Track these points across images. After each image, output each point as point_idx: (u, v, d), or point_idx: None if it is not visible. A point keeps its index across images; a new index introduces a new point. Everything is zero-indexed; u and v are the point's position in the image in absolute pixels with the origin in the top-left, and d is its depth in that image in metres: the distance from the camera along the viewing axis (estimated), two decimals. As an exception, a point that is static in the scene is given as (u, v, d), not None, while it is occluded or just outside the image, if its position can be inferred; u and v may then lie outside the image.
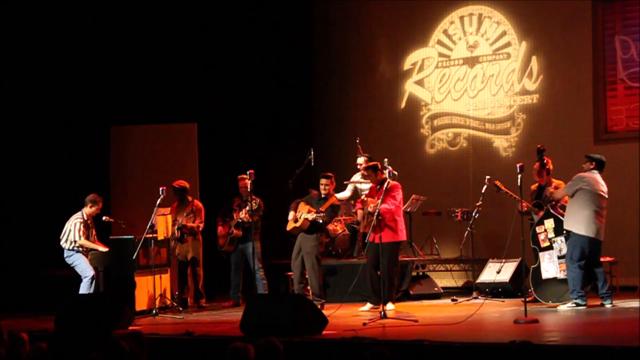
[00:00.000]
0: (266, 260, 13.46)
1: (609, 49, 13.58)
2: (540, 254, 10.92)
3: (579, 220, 10.44)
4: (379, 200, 10.68)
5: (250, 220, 11.88)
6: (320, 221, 11.43)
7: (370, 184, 11.81)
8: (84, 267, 11.77)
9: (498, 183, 11.65)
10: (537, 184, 11.35)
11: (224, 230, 12.49)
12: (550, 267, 10.84)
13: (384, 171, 11.28)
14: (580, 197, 10.43)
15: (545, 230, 10.86)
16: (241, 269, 12.54)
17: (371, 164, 11.53)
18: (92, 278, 11.65)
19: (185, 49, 14.75)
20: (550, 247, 10.85)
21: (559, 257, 10.79)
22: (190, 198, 12.62)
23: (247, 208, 11.91)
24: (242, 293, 12.55)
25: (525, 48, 14.32)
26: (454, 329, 8.90)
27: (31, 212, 13.53)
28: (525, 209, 10.77)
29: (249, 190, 10.88)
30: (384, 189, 10.90)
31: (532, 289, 10.91)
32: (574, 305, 10.37)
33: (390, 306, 10.82)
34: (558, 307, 10.49)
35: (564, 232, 10.66)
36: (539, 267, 10.89)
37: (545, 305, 10.65)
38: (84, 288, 11.64)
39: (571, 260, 10.42)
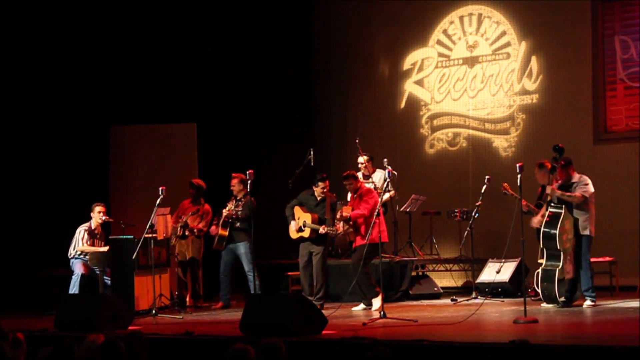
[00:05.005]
0: (265, 260, 13.46)
1: (609, 49, 13.57)
2: (563, 255, 10.57)
3: (591, 222, 10.56)
4: (350, 208, 11.04)
5: (233, 215, 11.90)
6: (332, 234, 11.43)
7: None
8: (77, 267, 12.12)
9: (506, 185, 11.62)
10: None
11: (215, 230, 12.36)
12: (570, 268, 10.60)
13: (361, 180, 11.54)
14: (590, 198, 10.56)
15: (566, 231, 10.55)
16: (230, 271, 12.27)
17: (349, 172, 11.42)
18: (78, 276, 12.02)
19: (185, 48, 14.74)
20: (570, 248, 10.62)
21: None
22: (202, 200, 12.62)
23: (230, 206, 11.89)
24: (233, 294, 12.45)
25: (525, 48, 14.31)
26: (453, 328, 8.91)
27: (31, 212, 13.53)
28: (526, 209, 10.74)
29: (248, 190, 10.83)
30: (358, 195, 11.19)
31: (558, 294, 10.47)
32: (592, 303, 10.45)
33: (376, 304, 10.81)
34: (584, 304, 10.46)
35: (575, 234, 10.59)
36: (562, 269, 10.51)
37: (551, 305, 10.60)
38: (71, 284, 12.04)
39: (587, 260, 10.51)
